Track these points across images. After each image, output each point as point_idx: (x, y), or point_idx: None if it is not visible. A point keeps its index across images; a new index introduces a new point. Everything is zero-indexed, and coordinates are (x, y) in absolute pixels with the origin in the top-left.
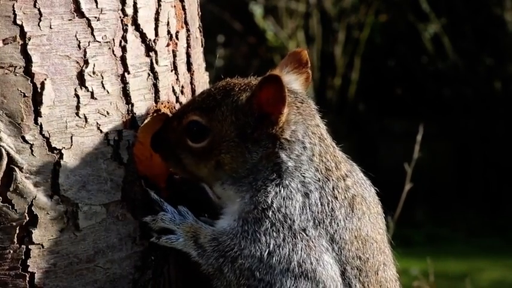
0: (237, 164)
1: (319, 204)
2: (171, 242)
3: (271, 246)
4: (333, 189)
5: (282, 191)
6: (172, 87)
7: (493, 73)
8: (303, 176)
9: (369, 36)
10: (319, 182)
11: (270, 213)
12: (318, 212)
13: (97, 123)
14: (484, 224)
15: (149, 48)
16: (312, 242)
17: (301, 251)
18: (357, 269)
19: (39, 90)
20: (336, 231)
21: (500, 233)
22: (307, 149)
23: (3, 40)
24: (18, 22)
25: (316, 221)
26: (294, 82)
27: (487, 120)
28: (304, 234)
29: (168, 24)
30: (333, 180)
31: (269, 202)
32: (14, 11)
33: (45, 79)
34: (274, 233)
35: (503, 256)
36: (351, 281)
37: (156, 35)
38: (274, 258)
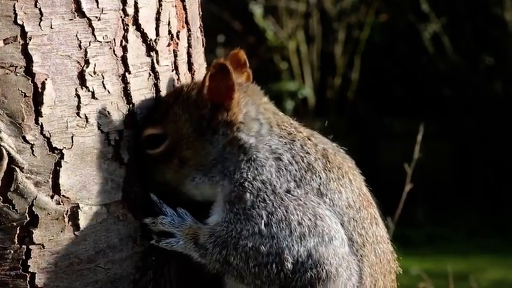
0: (201, 158)
1: (293, 162)
2: (171, 246)
3: (265, 216)
4: (302, 147)
5: (253, 163)
6: (174, 87)
7: (493, 73)
8: (268, 146)
9: (369, 36)
10: (286, 144)
11: (247, 184)
12: (296, 170)
13: (98, 123)
14: (484, 224)
15: (150, 48)
16: (301, 200)
17: (295, 210)
18: (353, 220)
19: (39, 90)
20: (320, 184)
21: (501, 233)
22: (264, 124)
23: (4, 40)
24: (19, 22)
25: (297, 179)
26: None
27: (487, 120)
28: (290, 195)
29: (169, 24)
30: (298, 140)
31: (244, 176)
32: (14, 10)
33: (46, 79)
34: (262, 203)
35: (503, 256)
36: (351, 235)
37: (157, 34)
38: (273, 227)
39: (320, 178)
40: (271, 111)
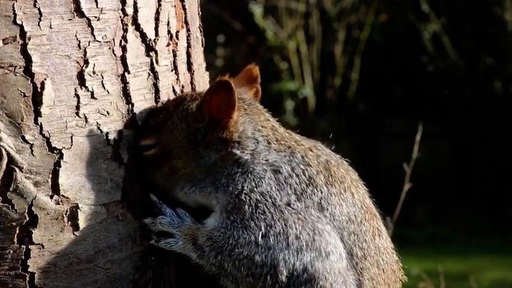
0: (191, 168)
1: (294, 175)
2: (170, 246)
3: (263, 228)
4: (303, 158)
5: (250, 175)
6: (173, 87)
7: (493, 73)
8: (265, 160)
9: (369, 36)
10: (286, 157)
11: (244, 196)
12: (296, 184)
13: (97, 123)
14: (484, 224)
15: (149, 48)
16: (301, 214)
17: (294, 224)
18: (354, 234)
19: (39, 90)
20: (321, 198)
21: (500, 233)
22: (261, 142)
23: (3, 40)
24: (18, 22)
25: (298, 193)
26: (243, 95)
27: (487, 120)
28: (291, 209)
29: (168, 24)
30: (299, 152)
31: (240, 187)
32: (14, 10)
33: (45, 79)
34: (262, 215)
35: (503, 256)
36: (351, 248)
37: (156, 34)
38: (271, 239)
39: (321, 192)
40: (269, 128)
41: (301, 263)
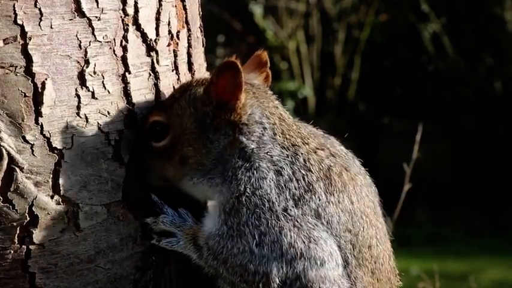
0: (201, 156)
1: (293, 179)
2: (171, 245)
3: (257, 237)
4: (305, 162)
5: (255, 173)
6: (174, 87)
7: (493, 73)
8: (270, 156)
9: (369, 36)
10: (288, 158)
11: (244, 198)
12: (295, 188)
13: (98, 123)
14: (484, 224)
15: (150, 48)
16: (297, 221)
17: (289, 231)
18: (350, 243)
19: (39, 90)
20: (318, 206)
21: (501, 233)
22: (267, 129)
23: (4, 40)
24: (19, 22)
25: (296, 198)
26: (254, 80)
27: (487, 120)
28: (287, 214)
29: (169, 24)
30: (302, 154)
31: (242, 189)
32: (14, 10)
33: (46, 79)
34: (257, 221)
35: (504, 256)
36: (347, 257)
37: (157, 34)
38: (265, 248)
39: (319, 200)
40: (277, 117)
41: (294, 272)
